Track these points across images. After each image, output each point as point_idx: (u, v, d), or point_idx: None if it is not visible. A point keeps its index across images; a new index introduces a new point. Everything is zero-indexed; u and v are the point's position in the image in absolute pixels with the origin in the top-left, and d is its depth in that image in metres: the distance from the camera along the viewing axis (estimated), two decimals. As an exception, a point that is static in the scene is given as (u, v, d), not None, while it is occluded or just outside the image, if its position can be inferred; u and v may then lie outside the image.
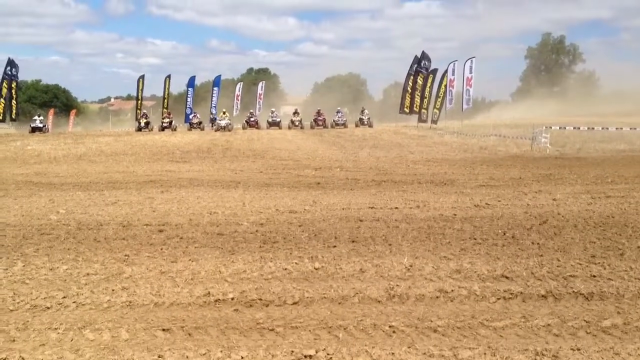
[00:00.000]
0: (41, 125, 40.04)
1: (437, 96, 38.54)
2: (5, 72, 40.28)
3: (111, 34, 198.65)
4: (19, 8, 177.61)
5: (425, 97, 39.73)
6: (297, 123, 39.55)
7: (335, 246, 7.19)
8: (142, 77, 46.55)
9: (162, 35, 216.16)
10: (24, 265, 6.38)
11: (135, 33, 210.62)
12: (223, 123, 37.45)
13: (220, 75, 48.88)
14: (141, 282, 5.82)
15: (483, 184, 12.66)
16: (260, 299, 5.34)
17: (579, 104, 77.51)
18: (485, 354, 4.28)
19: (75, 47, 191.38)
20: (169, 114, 41.71)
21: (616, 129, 26.28)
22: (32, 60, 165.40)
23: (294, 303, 5.27)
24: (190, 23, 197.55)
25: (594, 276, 5.98)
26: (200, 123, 40.20)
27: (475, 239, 7.53)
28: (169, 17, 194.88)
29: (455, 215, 9.11)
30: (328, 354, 4.29)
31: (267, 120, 40.58)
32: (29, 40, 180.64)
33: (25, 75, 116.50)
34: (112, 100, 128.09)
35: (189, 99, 45.27)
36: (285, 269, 6.25)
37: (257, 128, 39.18)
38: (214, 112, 44.66)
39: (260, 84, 51.57)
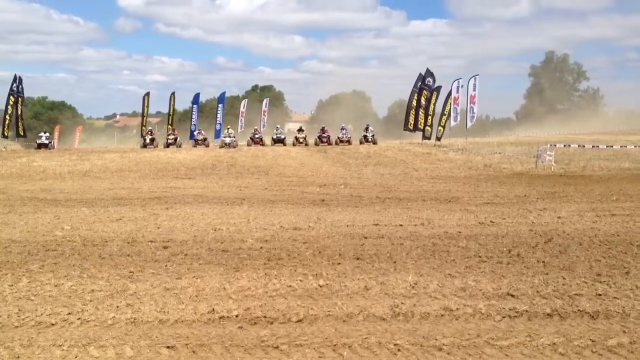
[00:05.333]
0: (47, 141, 40.27)
1: (442, 114, 38.62)
2: (11, 89, 40.57)
3: (118, 52, 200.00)
4: (27, 26, 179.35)
5: (430, 115, 39.82)
6: (301, 140, 39.67)
7: (339, 263, 7.18)
8: (148, 94, 46.87)
9: (168, 52, 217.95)
10: (29, 282, 6.39)
11: (142, 50, 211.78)
12: (227, 140, 37.59)
13: (224, 92, 49.31)
14: (145, 299, 5.82)
15: (488, 202, 12.64)
16: (265, 317, 5.33)
17: (584, 123, 77.60)
18: (490, 372, 4.26)
19: (83, 64, 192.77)
20: (174, 130, 41.93)
21: (621, 146, 26.27)
22: (39, 77, 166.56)
23: (299, 320, 5.25)
24: (196, 41, 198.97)
25: (600, 295, 5.95)
26: (205, 140, 40.36)
27: (480, 256, 7.52)
28: (176, 35, 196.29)
29: (460, 232, 9.09)
30: (333, 372, 4.27)
31: (272, 137, 40.73)
32: (37, 57, 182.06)
33: (32, 92, 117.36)
34: (118, 116, 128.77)
35: (193, 116, 45.48)
36: (290, 286, 6.24)
37: (262, 145, 39.30)
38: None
39: (264, 101, 51.78)
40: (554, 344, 4.73)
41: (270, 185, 16.26)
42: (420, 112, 40.20)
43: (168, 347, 4.70)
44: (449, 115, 37.76)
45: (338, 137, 39.81)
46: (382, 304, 5.65)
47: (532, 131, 73.08)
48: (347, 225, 9.71)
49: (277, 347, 4.69)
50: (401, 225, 9.73)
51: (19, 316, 5.33)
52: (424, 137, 39.90)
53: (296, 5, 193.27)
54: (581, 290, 6.10)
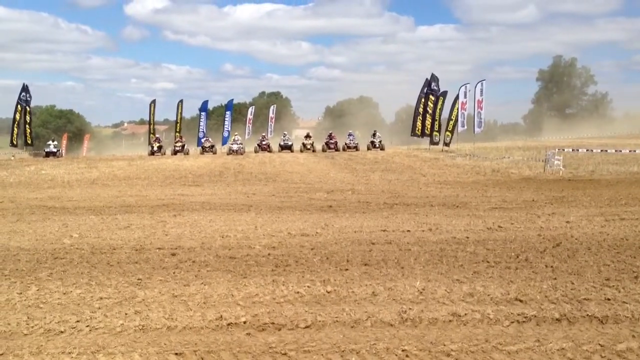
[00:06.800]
0: (55, 150, 40.52)
1: (449, 119, 38.55)
2: (19, 98, 40.82)
3: (126, 60, 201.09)
4: (36, 35, 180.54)
5: (436, 120, 39.76)
6: (309, 146, 39.70)
7: (347, 269, 7.18)
8: (154, 101, 47.09)
9: (176, 60, 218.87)
10: (37, 290, 6.41)
11: (150, 58, 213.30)
12: (235, 147, 37.67)
13: (232, 99, 49.42)
14: (154, 306, 5.83)
15: (496, 207, 12.61)
16: (273, 323, 5.33)
17: (592, 127, 77.35)
18: (499, 378, 4.24)
19: (91, 72, 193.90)
20: (181, 138, 42.07)
21: (629, 151, 26.15)
22: (47, 86, 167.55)
23: (306, 327, 5.25)
24: (204, 48, 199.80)
25: (609, 299, 5.92)
26: (212, 147, 40.45)
27: (488, 262, 7.50)
28: (184, 43, 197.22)
29: (467, 238, 9.07)
30: (341, 378, 4.26)
31: (279, 144, 40.78)
32: (45, 66, 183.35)
33: (40, 100, 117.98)
34: (126, 124, 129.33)
35: (201, 123, 45.60)
36: (298, 292, 6.24)
37: (269, 151, 39.34)
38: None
39: (271, 108, 51.88)
40: (563, 349, 4.71)
41: (278, 191, 16.28)
42: (427, 118, 40.14)
43: (176, 354, 4.71)
44: (457, 120, 37.69)
45: (345, 143, 39.83)
46: (390, 309, 5.65)
47: (540, 136, 72.92)
48: (355, 231, 9.71)
49: (285, 354, 4.69)
50: (409, 230, 9.72)
51: (28, 324, 5.35)
52: (432, 143, 39.83)
53: (303, 12, 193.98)
54: (590, 294, 6.08)
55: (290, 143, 40.69)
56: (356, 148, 39.43)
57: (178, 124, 46.75)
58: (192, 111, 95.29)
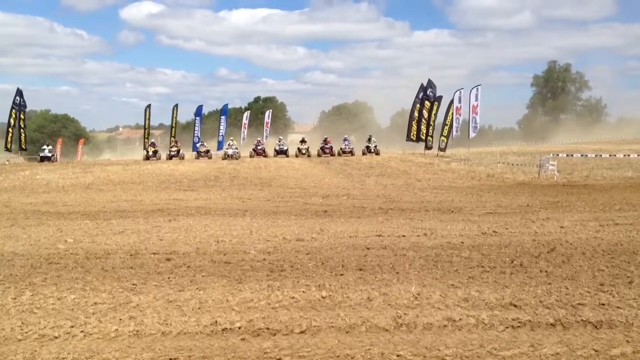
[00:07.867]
0: (50, 154, 40.49)
1: (444, 124, 38.60)
2: (14, 102, 40.74)
3: (121, 64, 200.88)
4: (32, 39, 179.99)
5: (431, 125, 39.82)
6: (304, 151, 39.73)
7: (342, 274, 7.18)
8: (149, 106, 46.97)
9: (171, 64, 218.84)
10: (32, 295, 6.39)
11: (145, 63, 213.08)
12: (230, 152, 37.65)
13: (227, 104, 49.51)
14: (148, 311, 5.82)
15: (490, 212, 12.64)
16: (268, 328, 5.33)
17: (586, 132, 77.68)
18: (493, 383, 4.24)
19: (86, 77, 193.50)
20: (177, 142, 42.05)
21: (624, 155, 26.24)
22: (43, 90, 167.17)
23: (301, 332, 5.25)
24: (199, 53, 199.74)
25: (603, 304, 5.94)
26: (207, 151, 40.43)
27: (483, 267, 7.51)
28: (179, 47, 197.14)
29: (462, 243, 9.08)
30: (335, 384, 4.26)
31: (275, 149, 40.81)
32: (41, 70, 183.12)
33: (35, 105, 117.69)
34: (121, 129, 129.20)
35: (196, 128, 45.56)
36: (293, 297, 6.23)
37: (265, 156, 39.34)
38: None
39: (267, 112, 51.89)
40: (557, 354, 4.72)
41: (273, 196, 16.27)
42: (422, 123, 40.19)
43: (171, 359, 4.69)
44: (451, 125, 37.75)
45: (341, 148, 39.88)
46: (384, 314, 5.65)
47: (534, 141, 73.14)
48: (350, 236, 9.71)
49: (279, 359, 4.68)
50: (404, 235, 9.73)
51: (22, 329, 5.32)
52: (427, 148, 39.88)
53: (298, 17, 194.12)
54: (584, 300, 6.09)
55: (285, 148, 40.71)
56: (351, 153, 39.48)
57: (173, 129, 46.70)
58: (187, 116, 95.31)
